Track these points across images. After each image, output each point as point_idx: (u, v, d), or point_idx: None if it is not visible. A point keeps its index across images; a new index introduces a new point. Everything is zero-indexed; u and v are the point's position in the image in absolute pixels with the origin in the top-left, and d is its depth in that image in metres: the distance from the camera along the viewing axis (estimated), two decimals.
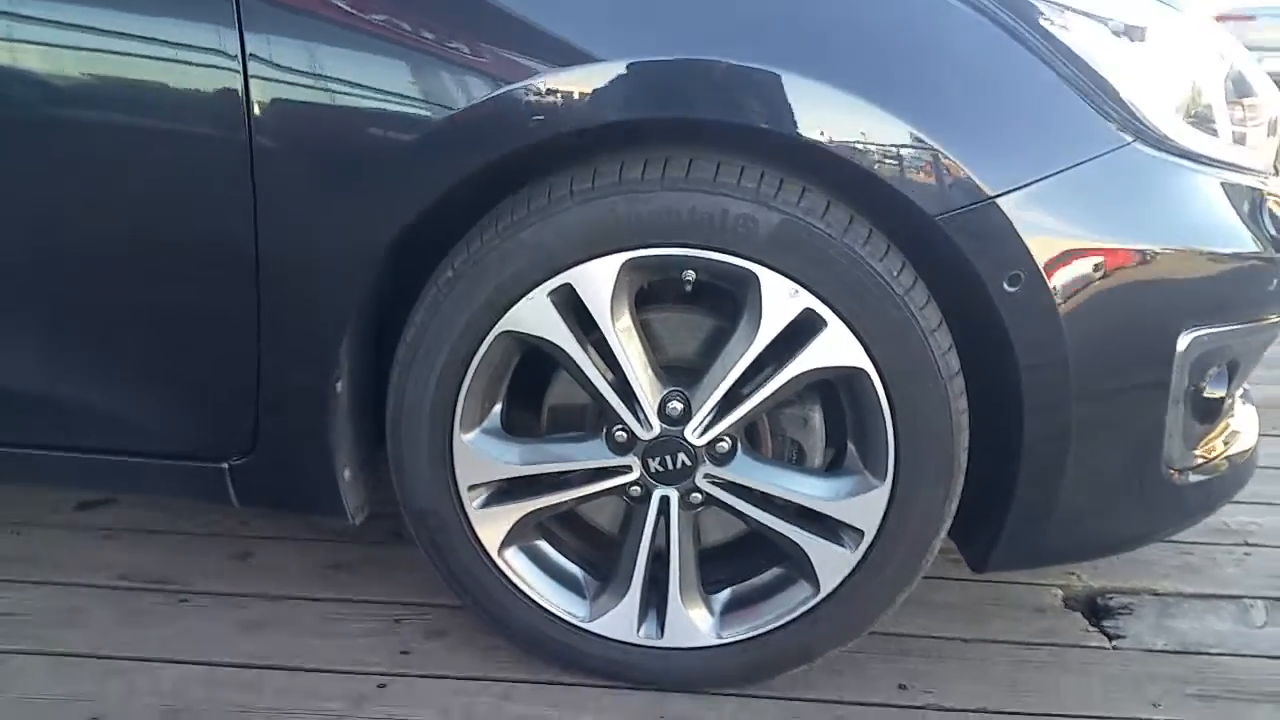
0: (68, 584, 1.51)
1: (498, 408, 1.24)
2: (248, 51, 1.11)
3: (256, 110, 1.12)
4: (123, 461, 1.31)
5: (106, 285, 1.23)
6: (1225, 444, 1.38)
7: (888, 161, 1.08)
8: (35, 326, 1.26)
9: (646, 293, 1.21)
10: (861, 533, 1.19)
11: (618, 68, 1.08)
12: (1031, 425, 1.17)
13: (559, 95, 1.09)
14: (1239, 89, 1.28)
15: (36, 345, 1.27)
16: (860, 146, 1.07)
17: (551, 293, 1.15)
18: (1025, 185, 1.09)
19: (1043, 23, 1.12)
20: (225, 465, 1.29)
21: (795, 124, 1.08)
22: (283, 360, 1.22)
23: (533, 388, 1.28)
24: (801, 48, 1.08)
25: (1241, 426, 1.44)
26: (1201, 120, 1.22)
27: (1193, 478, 1.30)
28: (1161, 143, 1.15)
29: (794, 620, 1.24)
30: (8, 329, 1.27)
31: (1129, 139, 1.13)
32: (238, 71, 1.11)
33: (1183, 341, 1.18)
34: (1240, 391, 1.44)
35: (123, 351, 1.26)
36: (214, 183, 1.15)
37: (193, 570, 1.55)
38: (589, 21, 1.10)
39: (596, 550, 1.34)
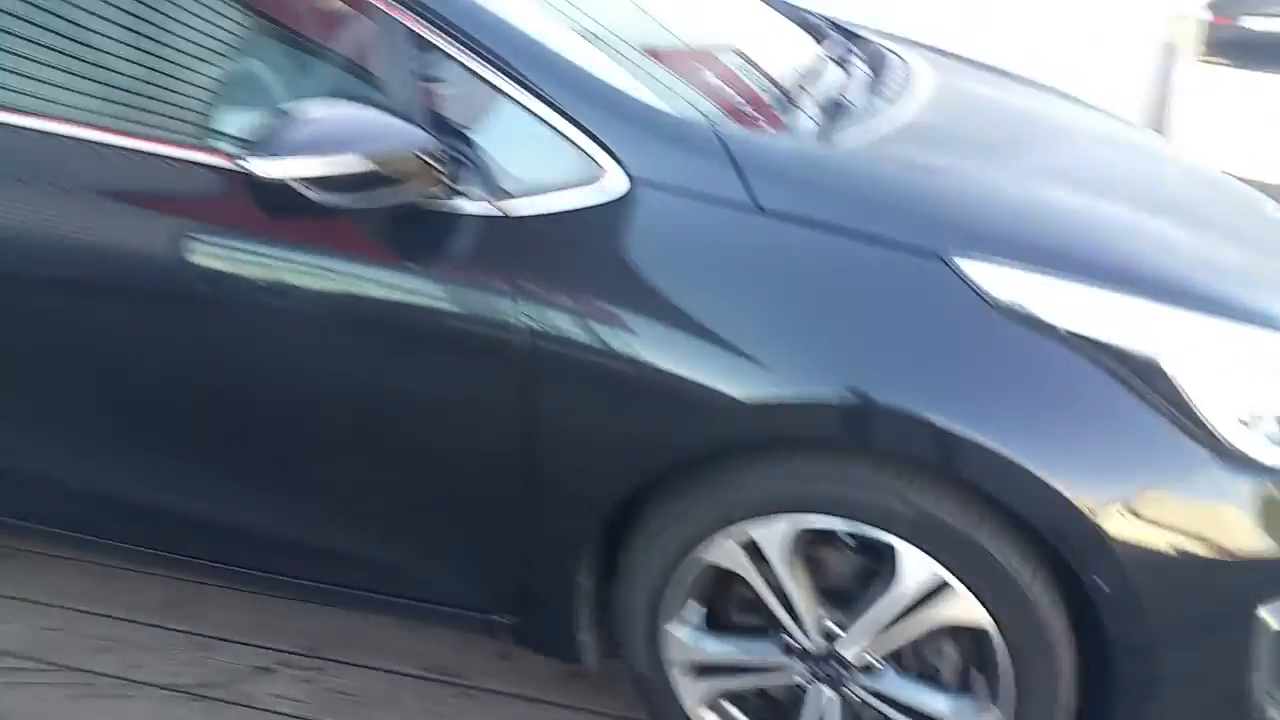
0: (384, 670, 2.04)
1: (697, 605, 1.64)
2: (533, 326, 1.52)
3: (538, 374, 1.52)
4: (437, 609, 1.82)
5: (429, 487, 1.69)
6: None
7: (997, 481, 1.37)
8: (373, 511, 1.77)
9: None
10: None
11: (795, 397, 1.42)
12: (1123, 672, 1.43)
13: (750, 410, 1.44)
14: None
15: (373, 524, 1.78)
16: (977, 472, 1.38)
17: (740, 542, 1.53)
18: (1112, 500, 1.35)
19: (1136, 364, 1.36)
20: (503, 620, 1.77)
21: (928, 450, 1.39)
22: (545, 560, 1.67)
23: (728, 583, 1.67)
24: (930, 393, 1.38)
25: None
26: None
27: None
28: (1238, 458, 1.37)
29: None
30: (354, 509, 1.78)
31: (1207, 455, 1.36)
32: (526, 332, 1.52)
33: (1263, 611, 1.41)
34: None
35: (442, 538, 1.74)
36: (500, 429, 1.58)
37: (473, 667, 2.04)
38: (778, 360, 1.44)
39: (770, 710, 1.72)
